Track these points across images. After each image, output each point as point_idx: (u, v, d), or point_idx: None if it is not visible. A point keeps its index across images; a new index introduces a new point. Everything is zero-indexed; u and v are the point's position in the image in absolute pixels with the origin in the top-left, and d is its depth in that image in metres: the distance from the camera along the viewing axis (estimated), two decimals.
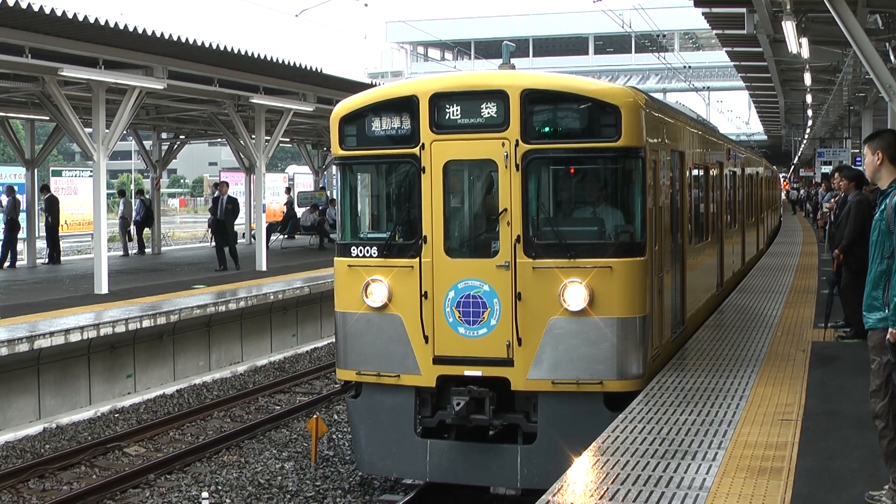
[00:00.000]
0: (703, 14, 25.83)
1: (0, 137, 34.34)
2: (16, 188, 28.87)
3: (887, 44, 20.90)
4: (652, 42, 71.04)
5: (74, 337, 16.20)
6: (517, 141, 10.31)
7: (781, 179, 63.54)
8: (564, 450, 9.74)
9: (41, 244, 30.22)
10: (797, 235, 37.30)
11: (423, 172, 10.61)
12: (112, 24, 17.57)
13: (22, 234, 29.25)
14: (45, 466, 13.25)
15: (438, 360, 10.59)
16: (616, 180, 10.91)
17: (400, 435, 10.83)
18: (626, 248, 10.40)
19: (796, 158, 74.41)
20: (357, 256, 11.02)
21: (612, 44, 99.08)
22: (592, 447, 8.17)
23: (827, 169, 41.44)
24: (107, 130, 20.90)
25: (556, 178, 11.06)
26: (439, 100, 10.63)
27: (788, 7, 19.05)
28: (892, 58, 21.01)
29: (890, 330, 6.45)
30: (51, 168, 38.13)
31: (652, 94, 12.44)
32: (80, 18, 16.94)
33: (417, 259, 10.61)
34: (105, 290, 20.62)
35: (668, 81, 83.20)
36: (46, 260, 29.45)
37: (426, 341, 10.57)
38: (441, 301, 10.55)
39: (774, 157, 71.99)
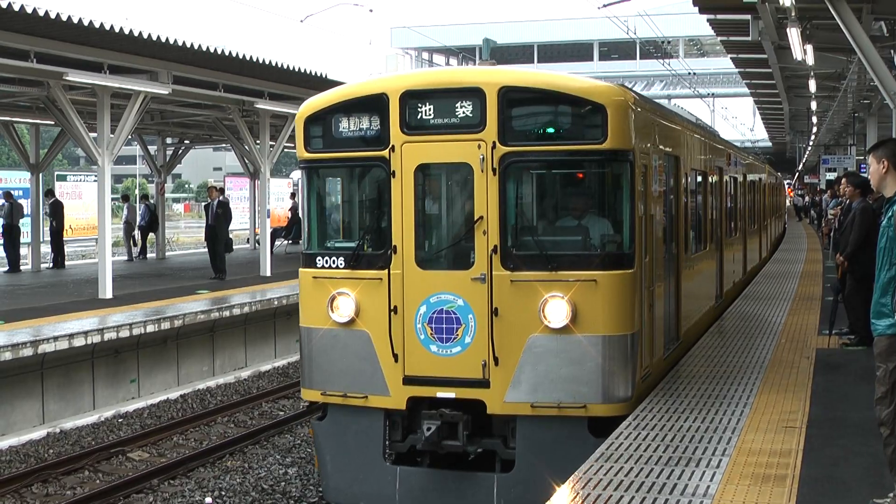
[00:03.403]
0: (708, 21, 25.84)
1: (5, 142, 34.42)
2: (14, 193, 28.87)
3: (892, 51, 20.93)
4: (657, 48, 71.08)
5: (78, 342, 16.21)
6: (494, 143, 9.55)
7: (786, 186, 63.51)
8: (545, 478, 8.97)
9: (46, 248, 30.25)
10: (801, 242, 37.26)
11: (393, 177, 9.85)
12: (117, 29, 17.60)
13: (26, 238, 29.28)
14: (49, 471, 13.26)
15: (409, 381, 9.83)
16: (602, 186, 10.17)
17: (368, 461, 10.08)
18: (613, 259, 9.64)
19: (801, 165, 74.37)
20: (322, 267, 10.26)
21: (617, 50, 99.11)
22: (595, 454, 8.15)
23: (831, 176, 41.40)
24: (111, 135, 20.93)
25: (537, 183, 10.27)
26: (411, 98, 9.86)
27: (793, 14, 19.03)
28: None
29: None
30: (55, 173, 38.19)
31: (645, 95, 11.77)
32: (86, 23, 16.97)
33: (386, 271, 9.86)
34: (109, 295, 20.64)
35: (673, 88, 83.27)
36: (51, 264, 29.49)
37: (396, 360, 9.82)
38: (412, 316, 9.78)
39: (779, 164, 71.87)
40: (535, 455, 9.49)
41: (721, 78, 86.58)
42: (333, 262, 10.22)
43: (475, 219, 9.65)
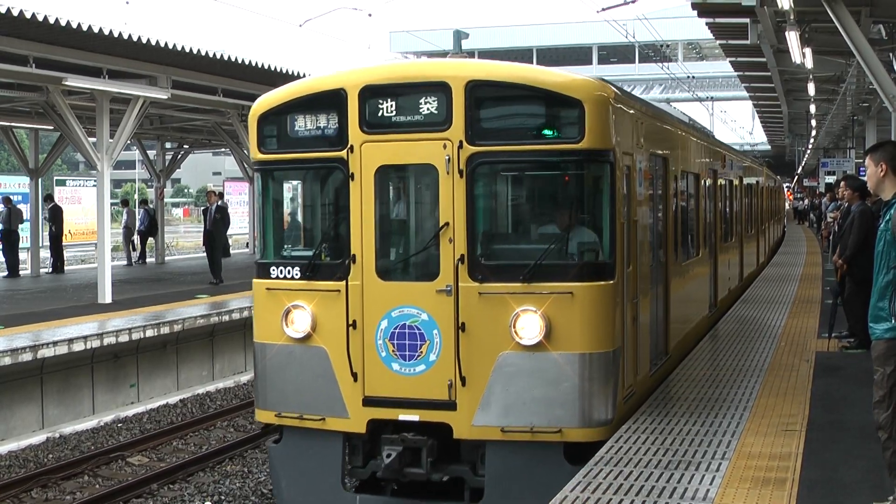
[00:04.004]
0: (707, 24, 25.89)
1: (4, 147, 34.44)
2: (13, 198, 28.90)
3: (891, 54, 20.95)
4: (656, 52, 71.12)
5: (78, 346, 16.21)
6: (461, 142, 8.80)
7: (785, 189, 63.49)
8: None
9: (45, 254, 30.26)
10: (801, 246, 37.27)
11: (352, 179, 9.11)
12: (116, 34, 17.62)
13: (25, 243, 29.29)
14: (48, 476, 13.25)
15: (369, 402, 9.08)
16: (580, 189, 9.35)
17: (326, 488, 9.31)
18: (592, 269, 8.88)
19: (800, 168, 74.41)
20: (277, 278, 9.52)
21: (616, 54, 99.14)
22: (595, 458, 8.14)
23: (831, 179, 41.47)
24: (111, 140, 20.93)
25: (508, 186, 9.56)
26: (371, 94, 9.09)
27: (792, 17, 19.07)
28: (895, 67, 21.03)
29: None
30: (55, 177, 38.23)
31: (628, 90, 10.80)
32: (84, 28, 16.98)
33: (345, 282, 9.10)
34: (108, 300, 20.63)
35: (672, 91, 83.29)
36: (50, 269, 29.49)
37: (355, 379, 9.07)
38: (372, 332, 9.04)
39: (778, 167, 71.94)
40: (506, 483, 8.78)
41: (720, 81, 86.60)
42: (288, 272, 9.50)
43: (440, 225, 8.91)
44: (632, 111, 9.86)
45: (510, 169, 9.31)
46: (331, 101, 9.28)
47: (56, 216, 29.10)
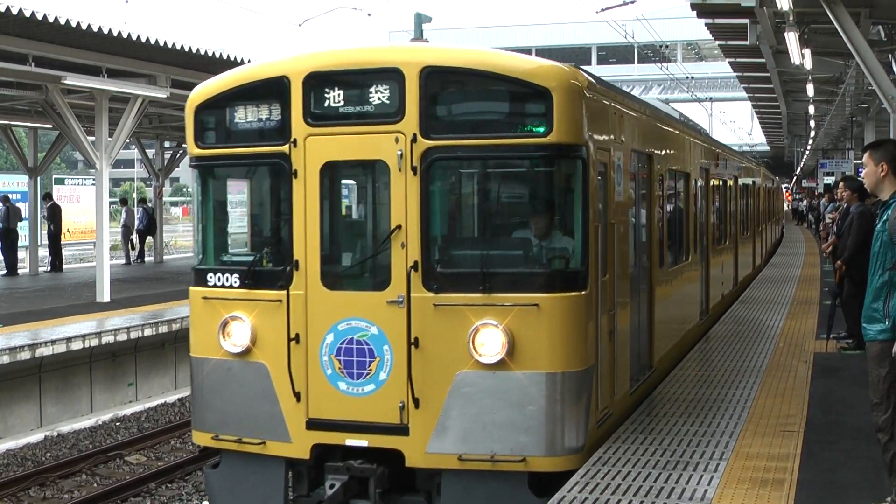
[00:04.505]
0: (706, 25, 25.91)
1: (3, 145, 34.42)
2: (11, 197, 28.90)
3: (890, 55, 20.95)
4: (655, 52, 71.13)
5: (76, 345, 16.20)
6: (415, 135, 7.94)
7: (784, 190, 63.49)
8: None
9: (43, 252, 30.26)
10: (799, 247, 37.28)
11: (295, 177, 8.27)
12: (115, 33, 17.62)
13: (23, 242, 29.30)
14: (46, 474, 13.26)
15: (313, 425, 8.24)
16: (548, 188, 8.50)
17: None
18: (561, 278, 7.98)
19: (799, 169, 74.45)
20: (214, 286, 8.70)
21: (615, 54, 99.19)
22: (592, 458, 8.14)
23: (829, 180, 41.47)
24: (109, 139, 20.94)
25: (467, 184, 8.73)
26: (316, 82, 8.26)
27: (791, 18, 19.08)
28: (894, 69, 21.05)
29: None
30: (53, 176, 38.26)
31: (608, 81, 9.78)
32: (84, 27, 16.98)
33: (287, 291, 8.27)
34: (107, 299, 20.63)
35: (671, 92, 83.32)
36: (49, 268, 29.48)
37: (297, 399, 8.23)
38: (316, 347, 8.20)
39: (777, 168, 71.98)
40: None
41: (719, 82, 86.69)
42: (227, 279, 8.65)
43: (391, 229, 8.05)
44: (610, 103, 9.02)
45: (470, 165, 8.51)
46: (272, 89, 8.43)
47: (55, 215, 29.10)
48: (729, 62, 34.82)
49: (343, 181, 8.96)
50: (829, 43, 21.85)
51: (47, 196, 30.15)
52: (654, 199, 11.19)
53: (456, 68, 8.19)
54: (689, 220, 13.93)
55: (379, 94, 8.12)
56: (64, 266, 30.30)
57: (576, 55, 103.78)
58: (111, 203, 29.05)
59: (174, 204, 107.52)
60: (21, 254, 29.41)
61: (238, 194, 9.59)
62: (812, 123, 46.91)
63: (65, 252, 31.86)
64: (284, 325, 8.25)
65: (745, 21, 23.74)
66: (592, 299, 8.17)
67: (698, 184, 14.84)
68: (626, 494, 7.20)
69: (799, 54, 21.77)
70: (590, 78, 8.47)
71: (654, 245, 11.09)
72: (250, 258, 8.89)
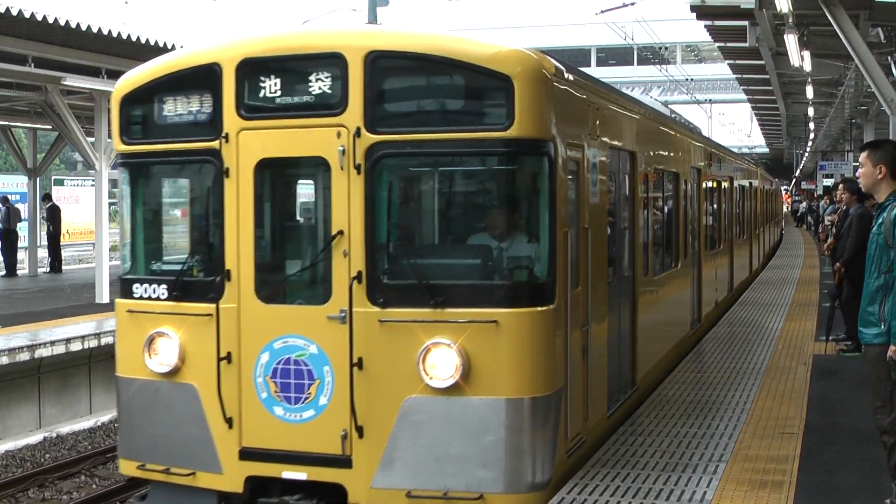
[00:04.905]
0: (706, 27, 25.93)
1: (2, 146, 34.42)
2: (11, 198, 28.93)
3: (889, 57, 20.97)
4: (654, 54, 71.17)
5: (75, 346, 16.21)
6: (359, 129, 7.10)
7: (783, 192, 63.49)
8: None
9: (43, 253, 30.26)
10: (799, 249, 37.29)
11: (227, 176, 7.44)
12: (115, 34, 17.63)
13: (23, 242, 29.31)
14: (45, 476, 13.25)
15: (247, 455, 7.41)
16: (508, 189, 7.62)
17: None
18: (523, 291, 7.13)
19: (798, 171, 74.47)
20: (141, 298, 7.87)
21: (615, 56, 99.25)
22: (592, 460, 8.14)
23: (829, 182, 41.51)
24: (109, 139, 20.92)
25: (418, 185, 7.81)
26: (251, 69, 7.42)
27: (791, 20, 19.11)
28: (893, 71, 21.08)
29: (892, 347, 6.39)
30: (53, 177, 38.23)
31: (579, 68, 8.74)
32: (83, 28, 17.00)
33: (217, 305, 7.47)
34: (106, 300, 20.64)
35: (671, 94, 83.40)
36: (48, 269, 29.48)
37: (230, 426, 7.41)
38: (250, 367, 7.37)
39: (776, 170, 72.03)
40: None
41: (718, 84, 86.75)
42: (153, 291, 7.82)
43: (333, 234, 7.23)
44: (583, 94, 8.17)
45: (421, 163, 7.57)
46: (203, 78, 7.58)
47: (54, 216, 29.10)
48: (728, 64, 34.85)
49: (281, 181, 8.00)
50: (828, 45, 21.88)
51: (47, 197, 30.16)
52: (638, 202, 10.33)
53: (405, 53, 7.25)
54: (679, 224, 13.13)
55: (320, 83, 7.27)
56: (63, 267, 30.30)
57: (575, 57, 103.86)
58: (111, 204, 29.02)
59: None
60: (20, 254, 29.43)
61: (168, 196, 8.70)
62: (811, 125, 46.96)
63: (64, 253, 31.87)
64: (215, 342, 7.43)
65: (745, 23, 23.77)
66: (561, 314, 7.29)
67: (689, 185, 14.06)
68: (626, 496, 7.20)
69: (798, 56, 21.80)
70: (558, 65, 7.53)
71: (637, 251, 10.28)
72: (179, 267, 7.96)
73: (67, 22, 16.65)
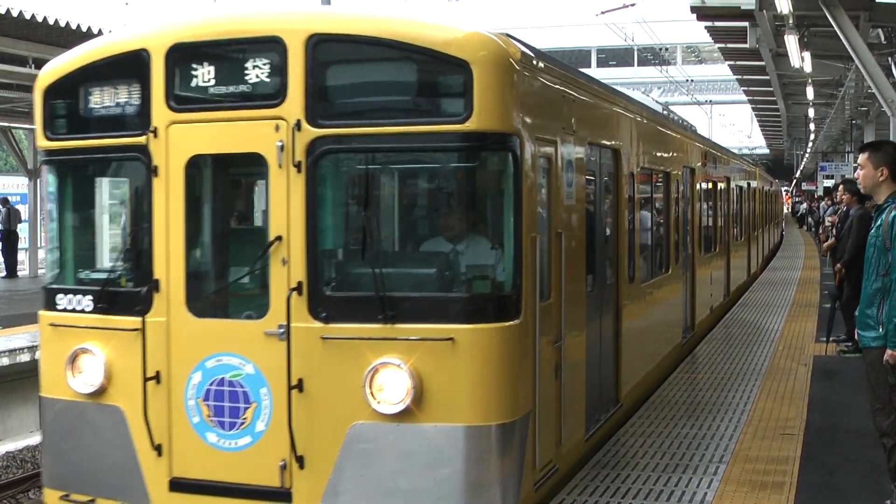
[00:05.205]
0: (706, 28, 25.96)
1: (3, 147, 34.44)
2: (11, 199, 28.93)
3: (889, 58, 21.00)
4: (654, 55, 71.21)
5: None
6: (299, 122, 6.34)
7: (783, 193, 63.48)
8: None
9: (43, 254, 30.27)
10: (799, 250, 37.29)
11: (156, 175, 6.67)
12: None
13: (23, 244, 29.32)
14: None
15: (178, 486, 6.65)
16: (467, 189, 6.90)
17: None
18: (484, 304, 6.32)
19: (798, 172, 74.50)
20: (65, 310, 7.06)
21: (615, 57, 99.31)
22: (591, 461, 8.14)
23: (829, 183, 41.52)
24: None
25: (365, 185, 6.74)
26: (182, 56, 6.64)
27: (791, 21, 19.12)
28: (894, 72, 21.09)
29: (888, 351, 6.38)
30: None
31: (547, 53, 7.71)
32: (84, 29, 17.01)
33: (145, 318, 6.68)
34: None
35: (671, 95, 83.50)
36: None
37: (159, 453, 6.65)
38: (181, 388, 6.61)
39: (777, 171, 72.05)
40: None
41: (719, 85, 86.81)
42: (78, 302, 7.03)
43: (270, 240, 6.44)
44: (557, 84, 7.44)
45: (368, 160, 6.65)
46: (130, 66, 6.78)
47: None
48: (729, 65, 34.89)
49: (215, 180, 7.08)
50: (828, 46, 21.89)
51: None
52: (623, 203, 9.60)
53: (351, 36, 6.48)
54: (670, 227, 12.45)
55: (257, 71, 6.51)
56: None
57: (575, 58, 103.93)
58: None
59: None
60: (21, 256, 29.43)
61: (95, 197, 7.80)
62: (812, 126, 46.98)
63: None
64: (141, 360, 6.68)
65: (745, 24, 23.79)
66: (528, 329, 6.54)
67: (682, 185, 13.34)
68: (626, 497, 7.20)
69: (798, 57, 21.81)
70: (526, 50, 6.80)
71: (622, 257, 9.54)
72: (105, 277, 7.14)
73: (68, 23, 16.68)
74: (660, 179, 12.18)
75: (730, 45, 28.58)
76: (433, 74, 6.38)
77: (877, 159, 6.71)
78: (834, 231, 15.85)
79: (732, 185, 20.05)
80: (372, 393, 6.21)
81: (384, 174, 7.02)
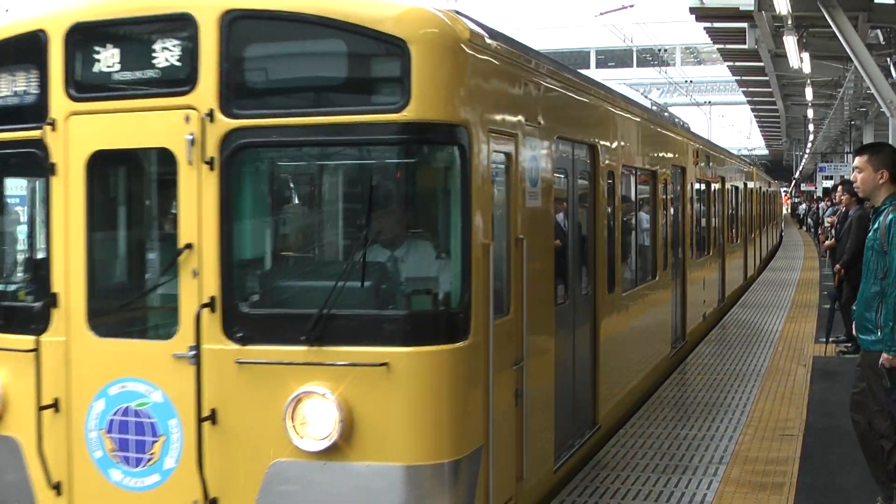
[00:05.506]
0: (705, 29, 26.00)
1: None
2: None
3: (888, 59, 21.02)
4: (653, 56, 71.25)
5: None
6: (211, 112, 5.51)
7: (783, 193, 63.49)
8: None
9: None
10: (798, 250, 37.31)
11: (54, 174, 5.86)
12: None
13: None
14: None
15: None
16: (407, 190, 5.95)
17: None
18: (426, 323, 5.47)
19: (798, 173, 74.55)
20: None
21: (614, 58, 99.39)
22: (591, 462, 8.14)
23: (828, 184, 41.57)
24: None
25: (289, 184, 6.27)
26: (83, 38, 5.82)
27: (790, 22, 19.13)
28: (893, 73, 21.12)
29: (884, 355, 6.35)
30: None
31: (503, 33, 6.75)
32: None
33: (40, 338, 5.84)
34: None
35: (670, 96, 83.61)
36: None
37: (57, 492, 5.78)
38: (81, 418, 5.74)
39: (776, 172, 72.07)
40: None
41: (718, 86, 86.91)
42: None
43: (179, 249, 5.59)
44: (516, 70, 6.59)
45: (292, 156, 6.02)
46: (27, 50, 5.96)
47: None
48: (728, 66, 34.93)
49: (121, 179, 6.34)
50: (827, 47, 21.91)
51: None
52: (600, 205, 8.74)
53: (271, 12, 5.63)
54: (658, 230, 11.57)
55: (166, 53, 5.66)
56: None
57: (575, 59, 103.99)
58: None
59: None
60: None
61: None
62: (811, 127, 47.00)
63: None
64: (36, 385, 5.86)
65: (744, 25, 23.82)
66: (479, 351, 5.65)
67: (670, 185, 12.54)
68: (626, 498, 7.20)
69: (797, 58, 21.83)
70: (477, 28, 5.93)
71: (599, 264, 8.68)
72: (1, 289, 6.43)
73: None
74: (645, 179, 11.37)
75: (729, 46, 28.62)
76: (365, 56, 5.52)
77: (877, 162, 6.65)
78: (833, 232, 15.85)
79: (728, 185, 19.30)
80: (294, 427, 5.35)
81: (309, 171, 6.22)
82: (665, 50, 74.55)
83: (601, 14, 28.31)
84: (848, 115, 38.91)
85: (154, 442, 5.63)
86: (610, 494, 7.29)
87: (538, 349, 6.84)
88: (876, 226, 6.57)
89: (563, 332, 7.58)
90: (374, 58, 5.52)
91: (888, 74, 20.78)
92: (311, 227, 6.34)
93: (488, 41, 6.02)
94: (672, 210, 12.74)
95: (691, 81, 66.19)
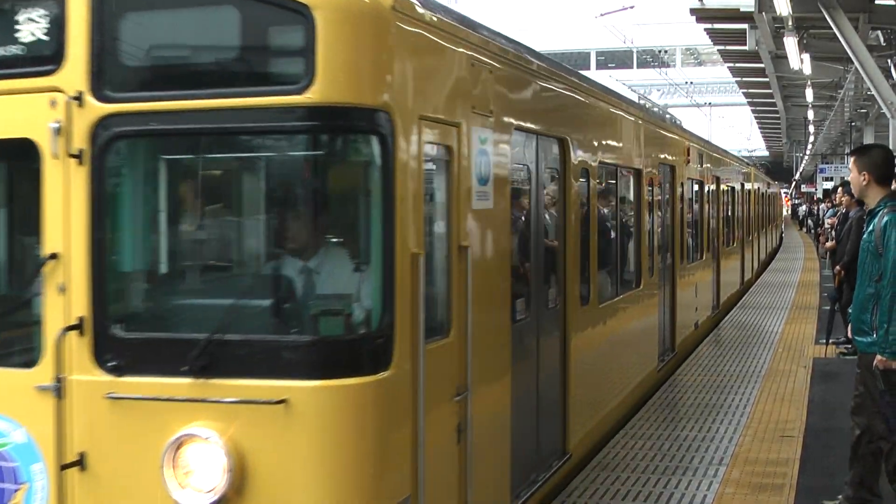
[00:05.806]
0: (706, 30, 26.00)
1: None
2: None
3: (889, 60, 21.02)
4: (654, 57, 71.29)
5: None
6: (80, 95, 4.61)
7: (783, 194, 63.46)
8: None
9: None
10: (798, 252, 37.30)
11: None
12: None
13: None
14: None
15: None
16: (314, 188, 4.77)
17: None
18: (336, 350, 4.55)
19: (798, 174, 74.55)
20: None
21: (614, 59, 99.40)
22: (592, 463, 8.13)
23: (828, 185, 41.57)
24: None
25: (174, 181, 5.00)
26: None
27: (790, 23, 19.12)
28: (893, 74, 21.12)
29: (878, 357, 6.35)
30: None
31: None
32: None
33: None
34: None
35: (670, 97, 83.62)
36: None
37: None
38: None
39: (776, 173, 72.06)
40: None
41: (718, 87, 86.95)
42: None
43: (42, 259, 4.69)
44: (461, 47, 5.56)
45: (177, 147, 4.97)
46: None
47: None
48: (728, 67, 34.93)
49: None
50: (828, 48, 21.92)
51: None
52: (571, 207, 7.76)
53: None
54: (642, 234, 10.65)
55: (31, 26, 4.73)
56: None
57: (575, 60, 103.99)
58: None
59: None
60: None
61: None
62: (811, 128, 47.01)
63: None
64: None
65: (745, 26, 23.82)
66: (405, 383, 4.74)
67: (658, 185, 11.67)
68: (626, 499, 7.19)
69: (798, 59, 21.84)
70: None
71: (570, 274, 7.74)
72: None
73: None
74: (626, 178, 10.47)
75: (729, 48, 28.63)
76: (262, 25, 4.57)
77: (861, 164, 6.68)
78: (833, 233, 15.85)
79: (723, 186, 18.26)
80: (175, 476, 4.45)
81: (197, 166, 5.08)
82: (665, 51, 74.63)
83: (601, 15, 28.33)
84: (848, 116, 38.91)
85: (16, 490, 4.70)
86: (610, 495, 7.28)
87: (488, 375, 5.86)
88: (871, 228, 6.56)
89: (523, 352, 6.69)
90: (273, 27, 4.58)
91: (889, 76, 20.78)
92: (202, 235, 5.13)
93: (420, 10, 5.03)
94: (660, 212, 11.85)
95: (691, 83, 66.22)
